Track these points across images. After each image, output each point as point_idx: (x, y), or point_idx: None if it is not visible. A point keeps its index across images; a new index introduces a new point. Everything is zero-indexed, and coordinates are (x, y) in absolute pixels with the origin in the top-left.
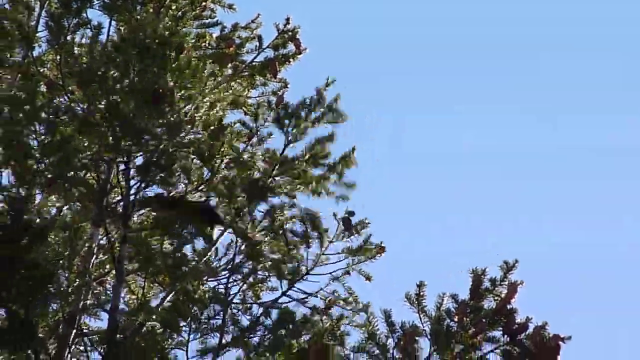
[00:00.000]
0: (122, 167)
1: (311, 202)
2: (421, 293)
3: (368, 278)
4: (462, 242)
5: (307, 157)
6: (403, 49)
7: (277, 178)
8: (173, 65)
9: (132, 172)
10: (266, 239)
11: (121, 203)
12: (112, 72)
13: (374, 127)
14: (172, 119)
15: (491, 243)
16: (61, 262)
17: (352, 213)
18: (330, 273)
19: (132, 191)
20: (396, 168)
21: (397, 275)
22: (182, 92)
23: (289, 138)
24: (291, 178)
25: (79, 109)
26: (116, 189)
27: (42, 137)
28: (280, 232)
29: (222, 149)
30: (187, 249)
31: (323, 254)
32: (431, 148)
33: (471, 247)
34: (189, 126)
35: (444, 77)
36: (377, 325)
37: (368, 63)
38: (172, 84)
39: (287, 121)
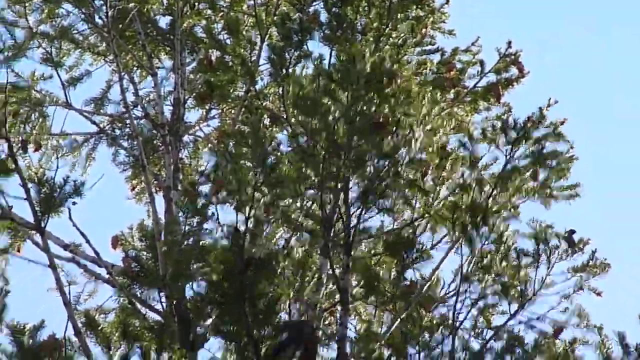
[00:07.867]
0: (341, 195)
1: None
2: None
3: (598, 294)
4: None
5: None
6: None
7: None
8: (390, 94)
9: (351, 199)
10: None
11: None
12: (329, 102)
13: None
14: (390, 145)
15: None
16: (290, 293)
17: (573, 231)
18: (558, 293)
19: (354, 220)
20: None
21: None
22: (400, 119)
23: (510, 155)
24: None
25: (301, 140)
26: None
27: (265, 169)
28: (510, 251)
29: (443, 174)
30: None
31: (549, 274)
32: None
33: None
34: (407, 151)
35: None
36: (611, 347)
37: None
38: (389, 111)
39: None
